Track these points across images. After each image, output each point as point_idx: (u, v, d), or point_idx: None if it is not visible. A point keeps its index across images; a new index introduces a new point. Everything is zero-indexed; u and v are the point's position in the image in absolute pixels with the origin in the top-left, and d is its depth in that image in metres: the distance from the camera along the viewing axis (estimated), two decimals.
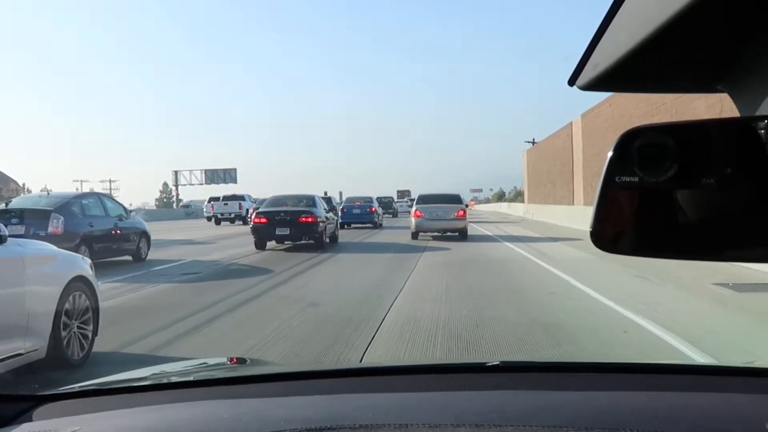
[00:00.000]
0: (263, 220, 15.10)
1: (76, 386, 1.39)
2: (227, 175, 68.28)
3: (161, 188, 65.66)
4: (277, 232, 14.94)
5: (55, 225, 10.30)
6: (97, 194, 13.56)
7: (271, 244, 15.48)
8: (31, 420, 1.19)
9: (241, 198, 35.30)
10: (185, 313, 6.50)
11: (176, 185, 69.06)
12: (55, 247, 4.92)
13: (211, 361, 2.15)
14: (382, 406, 1.17)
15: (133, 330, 5.71)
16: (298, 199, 16.80)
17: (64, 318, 4.34)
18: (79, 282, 4.65)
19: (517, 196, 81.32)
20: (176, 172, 69.94)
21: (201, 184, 68.06)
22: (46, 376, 3.85)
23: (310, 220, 15.05)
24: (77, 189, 53.69)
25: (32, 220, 10.27)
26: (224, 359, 2.01)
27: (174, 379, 1.60)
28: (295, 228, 14.92)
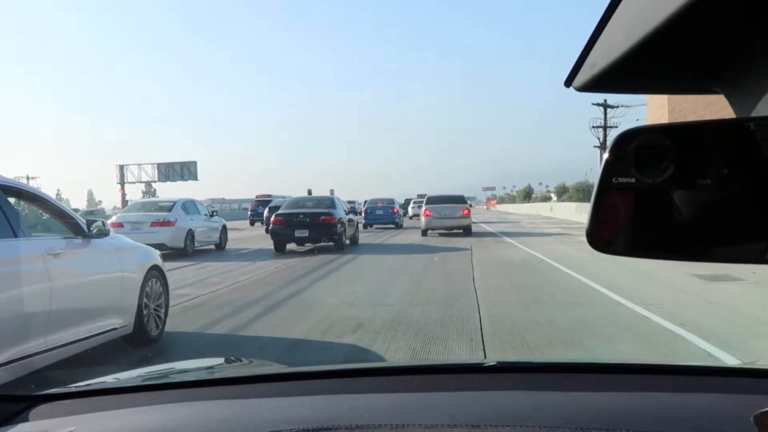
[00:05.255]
0: (282, 221, 14.95)
1: (72, 386, 1.39)
2: (185, 170, 55.02)
3: (143, 188, 60.98)
4: (296, 234, 14.81)
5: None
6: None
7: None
8: (27, 420, 1.19)
9: None
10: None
11: (122, 183, 55.00)
12: (134, 242, 5.69)
13: (209, 361, 2.15)
14: (379, 406, 1.17)
15: None
16: (317, 200, 16.78)
17: (145, 300, 5.16)
18: (155, 270, 5.46)
19: (561, 194, 62.85)
20: (122, 167, 55.46)
21: (153, 181, 55.97)
22: (43, 376, 3.85)
23: (329, 221, 14.85)
24: None
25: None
26: (222, 359, 2.00)
27: (170, 380, 1.59)
28: (314, 230, 14.75)
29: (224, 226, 17.34)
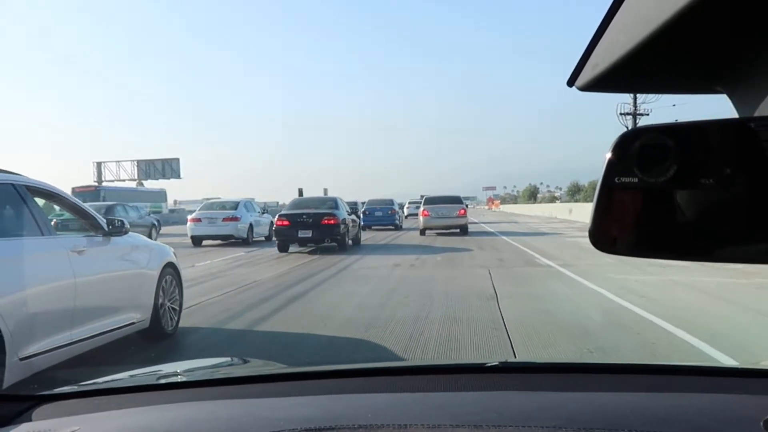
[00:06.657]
0: (285, 222, 15.19)
1: (75, 386, 1.39)
2: (167, 168, 51.64)
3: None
4: (299, 235, 15.05)
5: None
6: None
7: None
8: (30, 420, 1.19)
9: None
10: None
11: (98, 181, 50.17)
12: (150, 240, 5.96)
13: (211, 361, 2.15)
14: (382, 406, 1.17)
15: None
16: (321, 201, 17.22)
17: (160, 296, 5.33)
18: (170, 268, 5.63)
19: (574, 193, 60.49)
20: (99, 164, 52.30)
21: (133, 180, 51.87)
22: (45, 376, 3.86)
23: (332, 222, 15.07)
24: None
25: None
26: (224, 359, 2.00)
27: (173, 379, 1.60)
28: (317, 230, 14.96)
29: (272, 222, 20.03)
